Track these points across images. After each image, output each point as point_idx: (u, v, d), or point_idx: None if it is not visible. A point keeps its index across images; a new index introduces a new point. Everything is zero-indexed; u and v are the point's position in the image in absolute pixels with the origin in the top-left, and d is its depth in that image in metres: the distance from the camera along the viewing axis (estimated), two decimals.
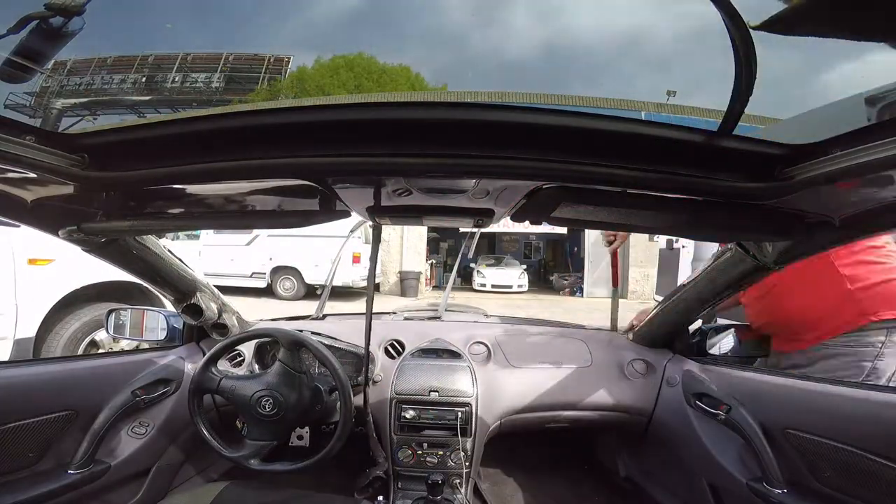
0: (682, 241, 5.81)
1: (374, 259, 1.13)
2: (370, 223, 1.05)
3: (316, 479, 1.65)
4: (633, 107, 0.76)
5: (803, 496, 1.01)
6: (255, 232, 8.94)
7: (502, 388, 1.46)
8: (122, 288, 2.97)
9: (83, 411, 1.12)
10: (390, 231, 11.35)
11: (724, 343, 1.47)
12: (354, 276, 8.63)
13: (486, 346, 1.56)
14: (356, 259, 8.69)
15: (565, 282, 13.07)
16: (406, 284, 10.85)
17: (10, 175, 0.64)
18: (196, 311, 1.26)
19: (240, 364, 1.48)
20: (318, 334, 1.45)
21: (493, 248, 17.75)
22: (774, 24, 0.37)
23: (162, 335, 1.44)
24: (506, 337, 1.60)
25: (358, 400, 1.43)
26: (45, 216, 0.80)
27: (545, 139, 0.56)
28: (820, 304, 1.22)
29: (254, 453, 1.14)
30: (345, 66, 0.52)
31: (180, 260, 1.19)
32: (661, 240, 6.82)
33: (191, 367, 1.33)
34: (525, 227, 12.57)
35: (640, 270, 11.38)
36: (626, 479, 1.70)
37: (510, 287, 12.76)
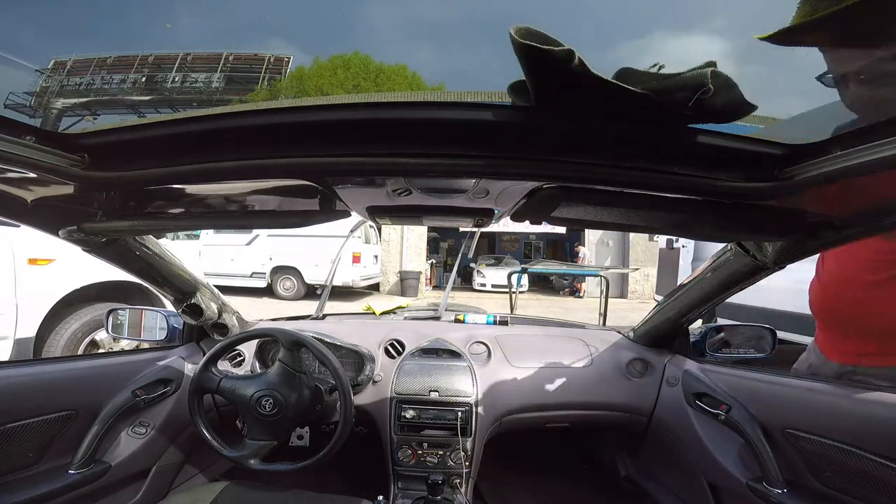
0: (682, 240, 5.81)
1: None
2: (370, 223, 1.05)
3: (316, 479, 1.65)
4: None
5: (803, 496, 1.01)
6: (255, 232, 8.94)
7: (502, 388, 1.46)
8: (122, 288, 2.97)
9: (83, 411, 1.12)
10: (390, 231, 11.36)
11: (725, 343, 1.47)
12: (354, 275, 8.63)
13: (486, 345, 1.56)
14: (356, 259, 8.69)
15: (565, 282, 13.06)
16: (406, 284, 10.85)
17: (10, 175, 0.64)
18: (196, 311, 1.26)
19: (240, 364, 1.48)
20: (319, 334, 1.45)
21: (493, 248, 17.75)
22: (780, 36, 0.38)
23: (161, 335, 1.44)
24: (506, 337, 1.60)
25: (358, 400, 1.43)
26: (45, 216, 0.80)
27: (545, 139, 0.56)
28: None
29: (254, 453, 1.14)
30: (342, 66, 0.52)
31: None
32: (661, 240, 6.82)
33: (191, 367, 1.33)
34: (525, 227, 12.56)
35: (640, 270, 11.38)
36: (626, 479, 1.70)
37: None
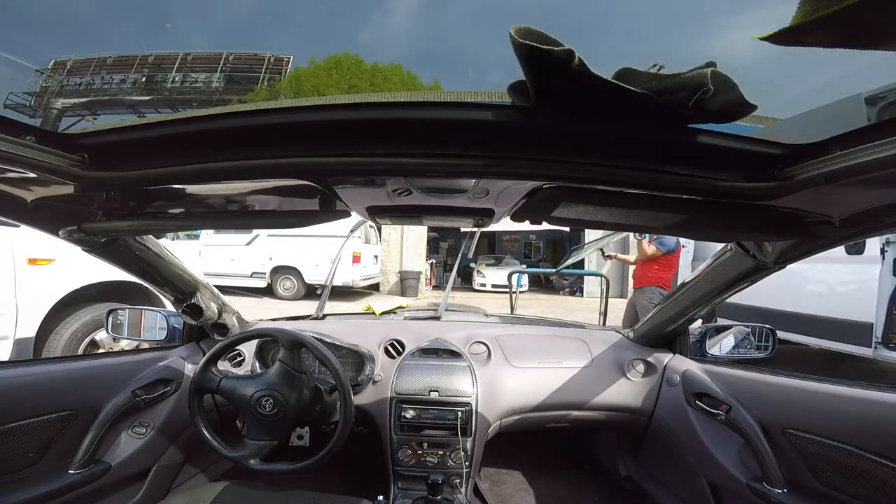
0: (682, 241, 5.81)
1: None
2: (370, 223, 1.05)
3: (316, 479, 1.65)
4: None
5: (803, 496, 1.01)
6: (255, 232, 8.93)
7: (502, 388, 1.46)
8: (122, 288, 2.97)
9: (83, 411, 1.12)
10: (390, 231, 11.34)
11: (725, 343, 1.47)
12: (354, 275, 8.63)
13: (486, 345, 1.56)
14: (356, 259, 8.68)
15: (565, 281, 13.05)
16: (406, 284, 10.84)
17: (10, 175, 0.64)
18: (196, 311, 1.26)
19: (240, 364, 1.48)
20: (319, 334, 1.45)
21: (493, 248, 17.75)
22: (780, 36, 0.37)
23: (161, 335, 1.44)
24: (506, 337, 1.60)
25: (358, 400, 1.43)
26: (45, 216, 0.80)
27: (545, 139, 0.56)
28: None
29: (254, 453, 1.14)
30: (335, 66, 0.52)
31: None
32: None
33: (191, 367, 1.33)
34: (525, 227, 12.55)
35: None
36: (626, 479, 1.70)
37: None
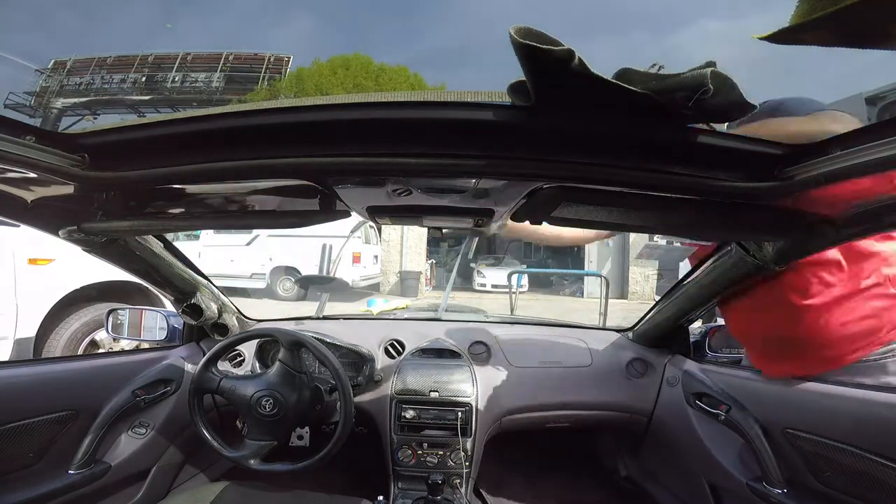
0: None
1: None
2: (370, 223, 1.05)
3: (316, 480, 1.65)
4: None
5: (803, 496, 1.01)
6: (255, 232, 8.92)
7: (502, 388, 1.46)
8: (122, 288, 2.97)
9: (83, 411, 1.12)
10: (390, 231, 11.34)
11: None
12: (354, 275, 8.63)
13: (486, 346, 1.56)
14: (356, 259, 8.68)
15: (566, 282, 13.05)
16: (406, 284, 10.85)
17: (10, 175, 0.64)
18: (196, 311, 1.26)
19: (240, 364, 1.48)
20: (319, 334, 1.45)
21: (493, 248, 17.74)
22: (779, 36, 0.38)
23: (161, 335, 1.44)
24: (506, 337, 1.60)
25: (358, 400, 1.43)
26: (45, 216, 0.80)
27: (545, 139, 0.56)
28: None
29: (254, 453, 1.14)
30: (342, 66, 0.52)
31: (181, 260, 1.19)
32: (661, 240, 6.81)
33: (191, 367, 1.33)
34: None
35: (640, 271, 11.37)
36: (626, 479, 1.70)
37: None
